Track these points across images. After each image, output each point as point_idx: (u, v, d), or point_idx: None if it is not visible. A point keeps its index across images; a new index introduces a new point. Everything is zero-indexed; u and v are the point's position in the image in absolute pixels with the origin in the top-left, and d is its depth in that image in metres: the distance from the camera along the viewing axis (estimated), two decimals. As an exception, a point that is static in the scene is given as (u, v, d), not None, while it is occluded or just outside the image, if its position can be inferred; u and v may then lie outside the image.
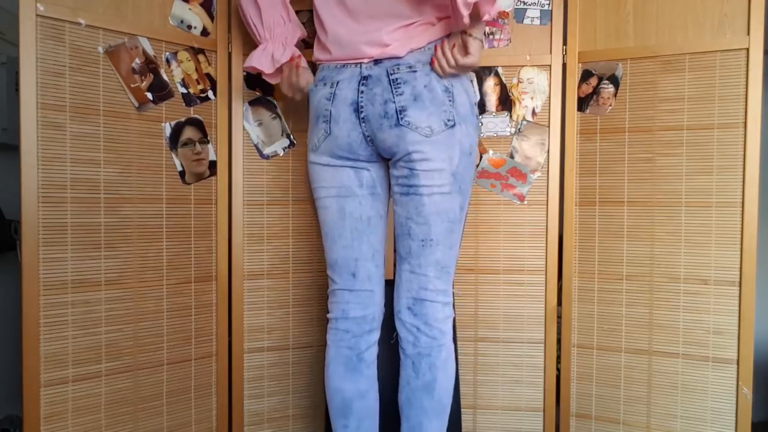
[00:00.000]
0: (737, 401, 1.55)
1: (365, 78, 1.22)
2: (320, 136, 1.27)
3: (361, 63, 1.23)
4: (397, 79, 1.21)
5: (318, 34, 1.30)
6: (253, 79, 1.63)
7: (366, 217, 1.30)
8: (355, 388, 1.31)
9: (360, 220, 1.30)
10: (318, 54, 1.31)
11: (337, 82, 1.25)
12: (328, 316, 1.36)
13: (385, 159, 1.31)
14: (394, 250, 1.78)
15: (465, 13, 1.12)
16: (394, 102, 1.20)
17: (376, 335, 1.35)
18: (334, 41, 1.25)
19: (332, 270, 1.34)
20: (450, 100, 1.22)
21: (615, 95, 1.65)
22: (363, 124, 1.23)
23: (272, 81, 1.42)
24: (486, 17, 1.15)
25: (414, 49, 1.21)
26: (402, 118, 1.20)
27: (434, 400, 1.28)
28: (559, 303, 1.72)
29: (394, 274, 1.78)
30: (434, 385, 1.28)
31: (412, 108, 1.20)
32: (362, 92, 1.22)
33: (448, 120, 1.21)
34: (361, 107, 1.22)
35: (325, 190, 1.31)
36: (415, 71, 1.21)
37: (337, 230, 1.31)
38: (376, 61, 1.22)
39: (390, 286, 1.40)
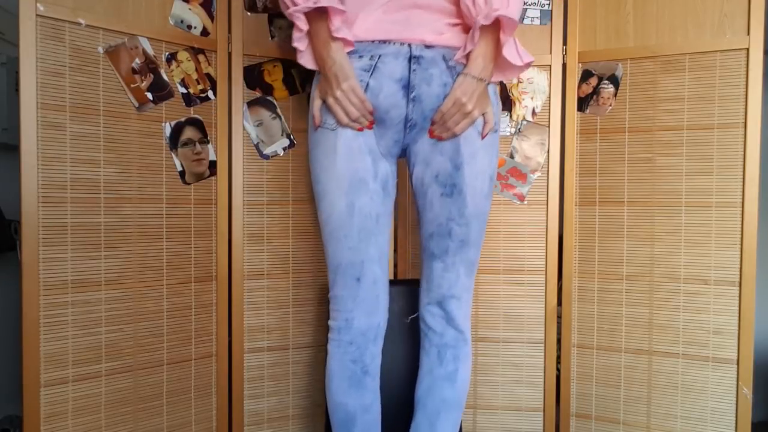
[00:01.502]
0: (737, 401, 1.55)
1: (416, 57, 1.14)
2: None
3: (410, 44, 1.15)
4: (454, 66, 1.15)
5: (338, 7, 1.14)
6: (253, 79, 1.63)
7: (375, 215, 1.20)
8: (359, 403, 1.26)
9: (369, 217, 1.19)
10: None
11: (379, 56, 1.14)
12: (330, 323, 1.29)
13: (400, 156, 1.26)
14: (395, 249, 1.78)
15: (516, 63, 1.15)
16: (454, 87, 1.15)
17: (381, 342, 1.29)
18: (370, 25, 1.15)
19: (335, 274, 1.24)
20: (496, 103, 1.22)
21: (615, 95, 1.65)
22: (411, 105, 1.15)
23: (301, 48, 1.19)
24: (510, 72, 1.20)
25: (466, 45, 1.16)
26: None
27: (455, 392, 1.29)
28: (559, 303, 1.72)
29: (396, 275, 1.79)
30: (456, 377, 1.29)
31: None
32: (414, 70, 1.14)
33: (494, 123, 1.20)
34: (413, 86, 1.14)
35: (335, 181, 1.17)
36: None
37: (344, 229, 1.19)
38: (427, 46, 1.15)
39: (398, 285, 1.39)
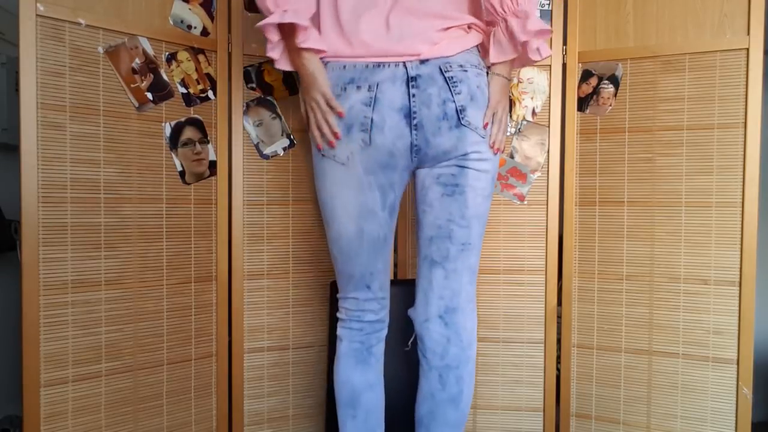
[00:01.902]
0: (737, 401, 1.55)
1: (413, 79, 1.13)
2: (355, 148, 1.15)
3: (405, 62, 1.14)
4: (452, 77, 1.15)
5: (326, 23, 1.17)
6: (253, 79, 1.63)
7: (383, 237, 1.24)
8: (364, 379, 1.29)
9: (378, 240, 1.23)
10: (335, 47, 1.16)
11: (377, 84, 1.13)
12: (340, 316, 1.32)
13: (417, 167, 1.25)
14: (395, 249, 1.78)
15: (536, 59, 1.24)
16: (454, 101, 1.14)
17: (386, 330, 1.33)
18: (366, 36, 1.14)
19: (346, 282, 1.29)
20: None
21: (615, 95, 1.65)
22: (414, 132, 1.14)
23: (274, 56, 1.21)
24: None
25: (462, 50, 1.17)
26: (463, 118, 1.15)
27: (459, 412, 1.26)
28: (559, 303, 1.72)
29: (396, 275, 1.79)
30: (460, 398, 1.25)
31: (470, 107, 1.15)
32: (413, 95, 1.13)
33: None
34: (414, 113, 1.13)
35: (345, 211, 1.20)
36: (466, 71, 1.16)
37: (353, 249, 1.24)
38: (422, 61, 1.14)
39: (398, 285, 1.39)
